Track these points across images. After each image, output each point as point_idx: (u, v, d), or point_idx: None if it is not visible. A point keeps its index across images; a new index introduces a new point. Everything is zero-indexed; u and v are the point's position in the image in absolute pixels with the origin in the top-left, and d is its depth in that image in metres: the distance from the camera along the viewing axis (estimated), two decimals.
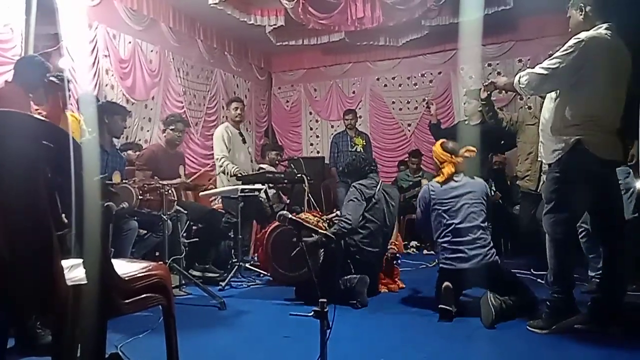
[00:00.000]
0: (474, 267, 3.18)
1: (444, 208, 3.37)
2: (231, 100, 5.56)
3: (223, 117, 7.36)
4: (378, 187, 3.88)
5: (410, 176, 7.09)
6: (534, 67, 2.94)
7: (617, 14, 2.90)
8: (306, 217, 3.80)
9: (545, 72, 2.82)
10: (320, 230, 3.55)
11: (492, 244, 3.31)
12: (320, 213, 4.36)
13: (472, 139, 4.24)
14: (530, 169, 4.49)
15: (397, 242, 4.24)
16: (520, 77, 2.94)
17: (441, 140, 3.68)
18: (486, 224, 3.34)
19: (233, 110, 5.30)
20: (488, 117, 4.09)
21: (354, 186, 3.84)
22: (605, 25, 2.79)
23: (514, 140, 4.87)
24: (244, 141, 5.33)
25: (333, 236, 3.53)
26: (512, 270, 3.56)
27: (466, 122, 5.03)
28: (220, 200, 5.72)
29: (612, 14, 2.86)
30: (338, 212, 3.97)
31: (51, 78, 3.02)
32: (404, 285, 4.14)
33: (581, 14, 2.87)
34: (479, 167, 3.80)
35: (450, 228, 3.31)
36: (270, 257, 3.74)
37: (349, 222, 3.60)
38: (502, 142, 4.94)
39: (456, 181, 3.42)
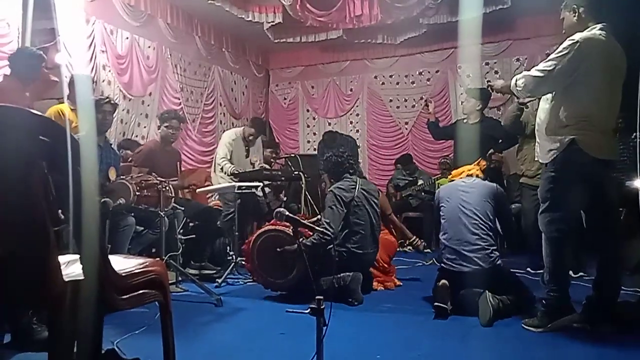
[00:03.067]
0: (474, 271, 3.18)
1: (449, 207, 3.38)
2: (261, 127, 5.72)
3: (220, 113, 7.37)
4: (357, 187, 3.82)
5: (406, 175, 7.10)
6: (530, 69, 2.95)
7: (610, 14, 2.91)
8: None
9: (541, 74, 2.83)
10: (310, 229, 3.54)
11: (495, 247, 3.28)
12: (306, 217, 4.33)
13: (470, 138, 4.25)
14: (541, 168, 4.43)
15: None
16: (516, 80, 2.95)
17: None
18: (491, 226, 3.30)
19: (254, 134, 5.45)
20: (514, 116, 4.05)
21: (331, 191, 3.76)
22: (599, 26, 2.80)
23: (512, 140, 4.87)
24: (247, 156, 5.45)
25: (313, 242, 3.46)
26: (510, 269, 3.57)
27: (465, 121, 5.04)
28: (216, 197, 5.73)
29: (605, 15, 2.87)
30: (319, 216, 3.93)
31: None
32: (400, 283, 4.16)
33: (574, 16, 2.88)
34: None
35: (454, 228, 3.31)
36: (256, 265, 3.74)
37: (329, 232, 3.52)
38: (500, 141, 4.94)
39: (466, 182, 3.44)
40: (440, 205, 3.47)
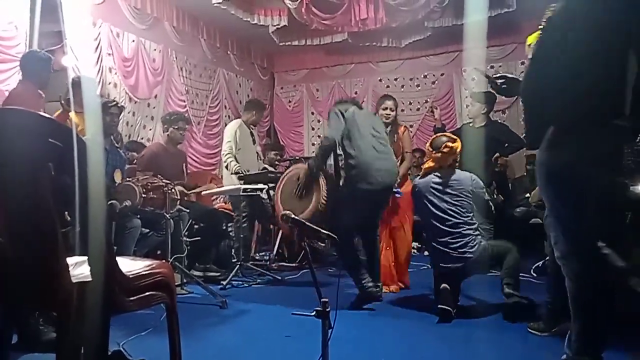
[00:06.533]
0: (465, 264, 3.22)
1: (428, 206, 3.37)
2: (260, 106, 5.47)
3: (225, 116, 7.38)
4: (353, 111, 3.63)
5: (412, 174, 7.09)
6: None
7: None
8: None
9: None
10: (315, 231, 3.51)
11: (477, 233, 3.30)
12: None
13: (477, 141, 4.23)
14: None
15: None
16: None
17: (437, 134, 3.65)
18: (471, 217, 3.32)
19: (255, 116, 5.28)
20: None
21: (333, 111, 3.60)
22: None
23: (518, 144, 4.86)
24: (254, 142, 5.35)
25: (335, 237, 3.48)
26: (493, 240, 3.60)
27: (471, 125, 5.02)
28: (222, 199, 5.74)
29: None
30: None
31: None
32: (404, 286, 4.14)
33: None
34: (482, 169, 3.80)
35: (436, 226, 3.32)
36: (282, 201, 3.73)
37: (328, 138, 3.51)
38: (506, 145, 4.93)
39: (439, 177, 3.40)
40: (420, 205, 3.45)
